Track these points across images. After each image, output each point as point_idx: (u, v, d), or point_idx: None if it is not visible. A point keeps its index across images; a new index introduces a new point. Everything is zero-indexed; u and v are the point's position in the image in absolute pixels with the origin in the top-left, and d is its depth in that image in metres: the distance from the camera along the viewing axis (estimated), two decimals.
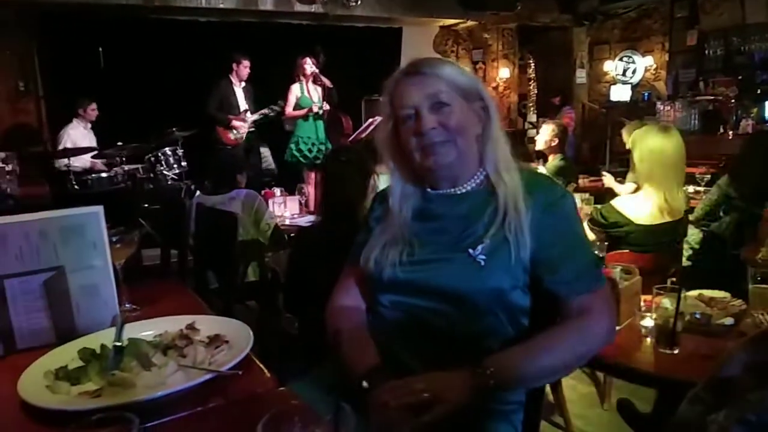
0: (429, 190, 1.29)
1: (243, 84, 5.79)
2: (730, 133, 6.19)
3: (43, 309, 1.22)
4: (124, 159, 5.54)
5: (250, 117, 5.77)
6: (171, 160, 5.62)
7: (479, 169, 1.27)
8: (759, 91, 6.49)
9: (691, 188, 3.94)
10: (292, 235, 3.63)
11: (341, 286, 1.40)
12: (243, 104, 5.76)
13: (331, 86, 5.49)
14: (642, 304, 1.77)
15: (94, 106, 5.75)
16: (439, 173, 1.25)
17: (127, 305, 1.47)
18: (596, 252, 2.30)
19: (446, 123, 1.19)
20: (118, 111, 5.95)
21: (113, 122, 5.88)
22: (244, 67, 5.68)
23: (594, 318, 1.16)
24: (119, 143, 5.57)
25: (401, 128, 1.24)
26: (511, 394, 1.20)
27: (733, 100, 6.53)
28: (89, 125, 5.81)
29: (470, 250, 1.17)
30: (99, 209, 1.29)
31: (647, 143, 2.42)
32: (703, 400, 1.19)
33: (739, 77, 6.67)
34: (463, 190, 1.26)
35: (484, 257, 1.16)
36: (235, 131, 5.70)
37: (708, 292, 1.82)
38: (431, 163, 1.21)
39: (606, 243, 2.32)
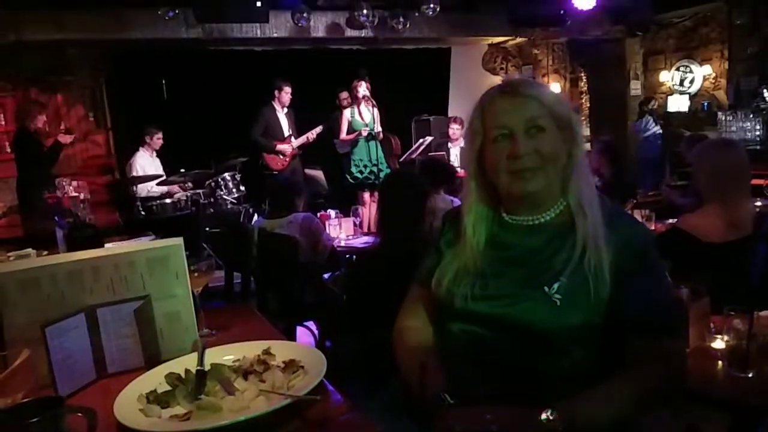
0: (504, 215, 1.28)
1: (285, 110, 5.98)
2: None
3: (131, 335, 1.31)
4: (187, 185, 5.79)
5: (295, 141, 5.93)
6: (230, 184, 5.83)
7: (560, 199, 1.24)
8: None
9: (758, 202, 3.78)
10: (347, 256, 3.71)
11: (408, 306, 1.41)
12: (287, 129, 5.94)
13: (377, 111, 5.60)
14: (712, 325, 1.73)
15: (159, 134, 6.03)
16: (523, 199, 1.24)
17: (204, 330, 1.55)
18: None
19: (541, 149, 1.17)
20: (181, 139, 6.23)
21: (176, 150, 6.16)
22: (286, 93, 5.88)
23: (669, 367, 1.14)
24: (182, 170, 5.82)
25: (490, 147, 1.21)
26: None
27: None
28: (155, 153, 6.10)
29: (545, 288, 1.15)
30: (180, 241, 1.38)
31: (709, 157, 2.37)
32: None
33: None
34: (542, 220, 1.24)
35: (560, 296, 1.14)
36: (282, 155, 5.87)
37: None
38: (519, 188, 1.20)
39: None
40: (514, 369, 1.18)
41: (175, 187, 5.88)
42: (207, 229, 5.21)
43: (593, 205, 1.19)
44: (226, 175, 5.82)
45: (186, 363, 1.24)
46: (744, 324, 1.51)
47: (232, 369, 1.19)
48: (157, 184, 5.81)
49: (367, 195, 5.62)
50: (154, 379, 1.20)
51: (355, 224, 4.25)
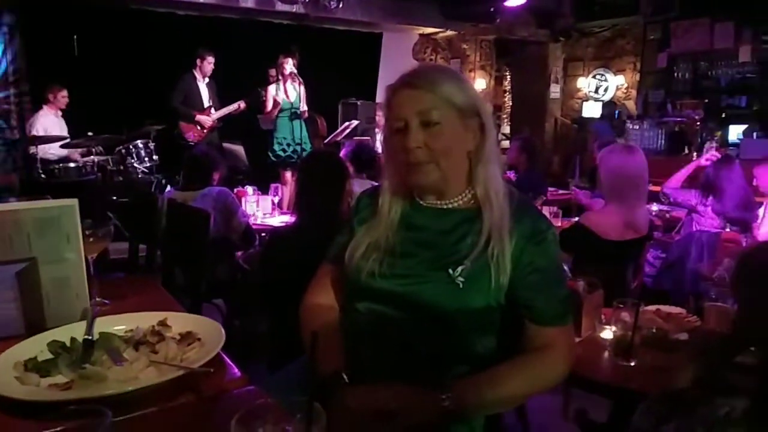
0: (418, 199, 1.30)
1: (207, 80, 5.79)
2: (695, 154, 6.39)
3: (13, 300, 1.21)
4: (95, 150, 5.45)
5: (215, 113, 5.75)
6: (142, 153, 5.55)
7: (468, 186, 1.26)
8: (723, 115, 6.72)
9: (655, 206, 4.07)
10: (263, 234, 3.64)
11: (317, 284, 1.41)
12: (207, 100, 5.77)
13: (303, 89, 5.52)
14: (603, 317, 1.84)
15: (64, 92, 5.64)
16: (423, 189, 1.26)
17: (97, 299, 1.46)
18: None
19: (432, 144, 1.17)
20: (91, 101, 5.84)
21: (85, 112, 5.78)
22: (209, 63, 5.70)
23: (557, 354, 1.21)
24: (90, 133, 5.47)
25: (392, 138, 1.23)
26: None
27: (698, 123, 6.76)
28: (59, 113, 5.70)
29: (450, 270, 1.18)
30: (74, 202, 1.29)
31: (611, 160, 2.52)
32: (656, 411, 1.26)
33: (705, 100, 6.90)
34: (450, 205, 1.26)
35: (463, 279, 1.17)
36: (200, 127, 5.68)
37: (665, 308, 1.90)
38: (413, 180, 1.22)
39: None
40: (416, 349, 1.20)
41: (80, 151, 5.53)
42: (114, 198, 4.97)
43: (499, 195, 1.22)
44: (139, 142, 5.54)
45: (73, 331, 1.17)
46: (630, 317, 1.61)
47: (123, 339, 1.14)
48: (61, 146, 5.43)
49: (288, 174, 5.52)
50: (35, 346, 1.12)
51: (273, 202, 4.17)
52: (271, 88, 5.51)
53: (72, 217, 1.28)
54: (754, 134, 6.21)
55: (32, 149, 5.28)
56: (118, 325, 1.23)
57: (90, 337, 1.12)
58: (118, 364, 1.05)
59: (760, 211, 3.39)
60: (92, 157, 5.41)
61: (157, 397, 0.99)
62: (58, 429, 0.82)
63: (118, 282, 1.77)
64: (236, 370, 1.12)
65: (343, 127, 6.32)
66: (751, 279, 1.06)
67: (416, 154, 1.18)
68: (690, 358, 1.33)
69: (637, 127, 7.04)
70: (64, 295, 1.28)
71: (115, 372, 1.02)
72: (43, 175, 5.15)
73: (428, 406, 1.08)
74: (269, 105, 5.50)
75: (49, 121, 5.55)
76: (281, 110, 5.45)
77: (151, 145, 5.64)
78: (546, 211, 3.62)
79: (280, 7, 6.21)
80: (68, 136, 5.55)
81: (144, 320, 1.24)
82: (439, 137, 1.18)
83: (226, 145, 6.28)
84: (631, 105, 7.93)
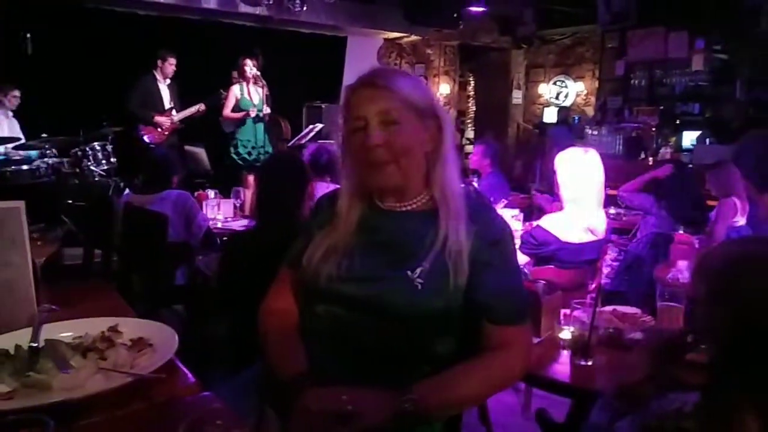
0: (377, 201, 1.29)
1: (168, 81, 5.69)
2: (650, 159, 6.59)
3: None
4: (49, 152, 5.27)
5: (177, 115, 5.65)
6: (99, 155, 5.39)
7: (425, 188, 1.26)
8: (678, 122, 6.94)
9: (612, 210, 4.16)
10: (225, 238, 3.57)
11: (276, 288, 1.39)
12: (167, 101, 5.66)
13: (265, 90, 5.47)
14: (561, 317, 1.86)
15: (16, 93, 5.44)
16: (383, 189, 1.26)
17: (45, 305, 1.40)
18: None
19: (392, 142, 1.17)
20: (45, 101, 5.65)
21: (39, 113, 5.58)
22: (170, 65, 5.61)
23: (514, 353, 1.21)
24: (44, 135, 5.29)
25: (351, 138, 1.22)
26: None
27: (654, 129, 6.96)
28: (11, 114, 5.50)
29: (408, 272, 1.17)
30: (20, 204, 1.24)
31: (569, 165, 2.56)
32: (612, 407, 1.28)
33: (661, 107, 7.11)
34: (408, 208, 1.26)
35: (421, 281, 1.17)
36: (160, 129, 5.57)
37: (621, 308, 1.95)
38: (373, 181, 1.22)
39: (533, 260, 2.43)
40: (375, 352, 1.20)
41: (33, 153, 5.33)
42: (69, 201, 4.80)
43: (456, 196, 1.23)
44: (96, 144, 5.37)
45: (17, 338, 1.12)
46: (587, 317, 1.64)
47: (70, 346, 1.09)
48: (13, 148, 5.23)
49: (251, 177, 5.45)
50: None
51: (235, 206, 4.11)
52: (235, 89, 5.44)
53: (17, 220, 1.23)
54: (707, 140, 6.42)
55: None
56: (66, 331, 1.19)
57: (35, 345, 1.08)
58: (64, 372, 1.00)
59: (712, 214, 3.51)
60: (46, 159, 5.23)
61: (107, 404, 0.95)
62: None
63: (70, 287, 1.70)
64: (190, 376, 1.09)
65: (307, 130, 6.28)
66: (708, 278, 1.09)
67: (376, 153, 1.18)
68: (644, 356, 1.36)
69: (596, 132, 7.21)
70: (8, 300, 1.23)
71: (60, 380, 0.98)
72: None
73: (388, 408, 1.08)
74: (230, 105, 5.42)
75: None
76: (247, 114, 5.38)
77: (109, 147, 5.48)
78: (507, 214, 3.66)
79: (243, 8, 6.14)
80: (21, 137, 5.36)
81: (94, 326, 1.19)
82: (399, 136, 1.18)
83: (187, 147, 6.17)
84: (590, 111, 8.12)
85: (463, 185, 1.28)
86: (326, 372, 1.20)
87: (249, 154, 5.46)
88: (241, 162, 5.47)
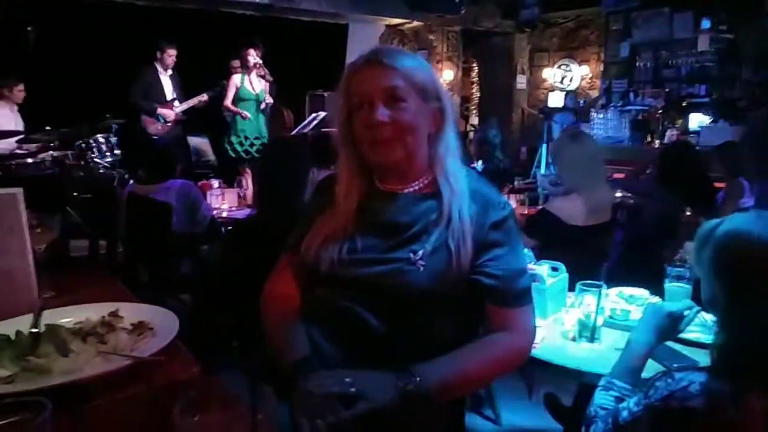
0: (376, 182, 1.28)
1: (169, 72, 5.67)
2: (657, 142, 6.53)
3: None
4: (53, 144, 5.27)
5: (179, 106, 5.64)
6: (104, 147, 5.37)
7: (428, 170, 1.25)
8: (684, 104, 6.87)
9: (619, 193, 4.12)
10: (229, 228, 3.58)
11: (277, 274, 1.38)
12: (170, 93, 5.65)
13: (272, 79, 5.43)
14: (567, 300, 1.85)
15: (21, 86, 5.45)
16: (387, 169, 1.24)
17: (46, 293, 1.40)
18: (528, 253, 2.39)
19: (398, 119, 1.16)
20: (49, 95, 5.65)
21: (43, 106, 5.58)
22: (170, 56, 5.58)
23: (518, 335, 1.21)
24: (48, 128, 5.29)
25: (354, 117, 1.20)
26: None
27: (660, 111, 6.89)
28: (15, 107, 5.50)
29: (411, 254, 1.16)
30: (18, 191, 1.23)
31: (562, 148, 2.55)
32: (616, 387, 1.27)
33: (666, 89, 7.04)
34: (410, 189, 1.25)
35: (423, 263, 1.16)
36: (163, 120, 5.55)
37: (628, 290, 1.93)
38: (378, 158, 1.20)
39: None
40: (377, 333, 1.19)
41: (37, 146, 5.34)
42: (75, 193, 4.81)
43: (458, 178, 1.22)
44: (100, 137, 5.36)
45: (18, 324, 1.11)
46: (594, 299, 1.62)
47: (71, 331, 1.09)
48: (17, 142, 5.24)
49: (250, 171, 5.44)
50: None
51: (239, 196, 4.11)
52: (236, 78, 5.41)
53: (15, 207, 1.23)
54: (718, 122, 6.32)
55: None
56: (67, 317, 1.18)
57: (36, 330, 1.07)
58: (65, 357, 1.00)
59: (720, 195, 3.47)
60: (50, 152, 5.23)
61: (106, 388, 0.95)
62: None
63: (74, 277, 1.70)
64: (192, 359, 1.09)
65: (309, 119, 6.25)
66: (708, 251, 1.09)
67: (382, 131, 1.16)
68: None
69: (602, 116, 7.15)
70: (8, 288, 1.23)
71: (60, 364, 0.97)
72: None
73: (391, 390, 1.07)
74: (231, 95, 5.39)
75: (3, 116, 5.36)
76: (244, 101, 5.35)
77: (113, 139, 5.47)
78: (513, 199, 3.64)
79: None
80: (23, 131, 5.37)
81: (95, 312, 1.19)
82: (405, 113, 1.17)
83: (191, 138, 6.17)
84: (595, 94, 8.05)
85: (464, 168, 1.27)
86: (329, 356, 1.20)
87: (240, 144, 5.40)
88: (244, 155, 5.44)
